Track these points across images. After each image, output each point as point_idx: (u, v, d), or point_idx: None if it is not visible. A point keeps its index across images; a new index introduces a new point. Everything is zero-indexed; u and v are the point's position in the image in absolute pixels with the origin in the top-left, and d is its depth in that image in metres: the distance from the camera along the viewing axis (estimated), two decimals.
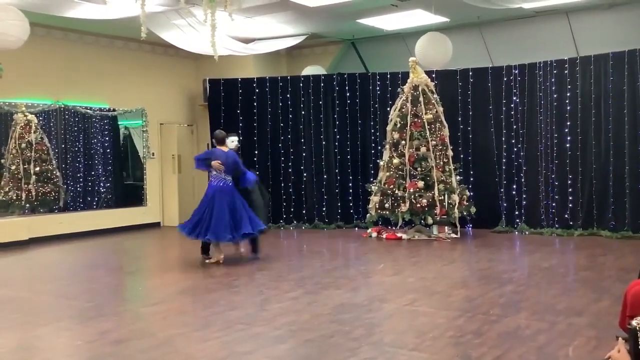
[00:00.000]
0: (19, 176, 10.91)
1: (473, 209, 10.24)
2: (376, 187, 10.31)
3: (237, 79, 12.31)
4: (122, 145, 13.16)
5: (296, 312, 5.63)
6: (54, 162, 11.36)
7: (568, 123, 10.18)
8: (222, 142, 8.40)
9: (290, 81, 12.22)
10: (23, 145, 10.92)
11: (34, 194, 10.98)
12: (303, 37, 11.99)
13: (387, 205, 10.06)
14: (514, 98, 10.74)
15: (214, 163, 8.13)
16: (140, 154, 12.83)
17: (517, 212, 10.70)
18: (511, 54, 11.15)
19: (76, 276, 7.89)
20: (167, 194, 13.13)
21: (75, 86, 11.47)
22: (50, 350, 4.78)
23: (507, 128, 10.81)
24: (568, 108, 10.17)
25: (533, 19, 11.07)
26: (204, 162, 8.37)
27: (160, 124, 13.07)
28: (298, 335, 4.90)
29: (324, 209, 11.85)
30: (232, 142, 8.75)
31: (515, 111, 10.73)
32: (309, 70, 12.55)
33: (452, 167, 10.18)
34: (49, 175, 11.26)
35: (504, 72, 10.83)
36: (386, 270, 7.86)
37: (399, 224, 10.18)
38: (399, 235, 10.17)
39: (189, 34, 9.67)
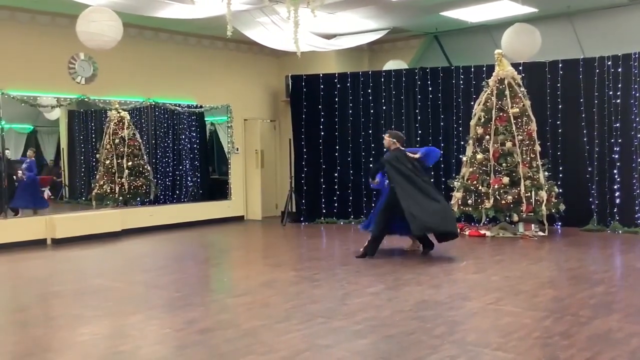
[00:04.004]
0: (113, 170, 11.47)
1: (562, 206, 9.86)
2: (458, 183, 10.12)
3: (319, 74, 12.39)
4: (209, 140, 13.59)
5: (376, 307, 5.63)
6: (145, 157, 11.88)
7: None
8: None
9: (372, 76, 12.17)
10: (117, 140, 11.48)
11: (126, 187, 11.52)
12: (385, 32, 11.92)
13: (470, 201, 9.86)
14: (607, 90, 10.25)
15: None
16: (225, 149, 13.18)
17: (609, 210, 10.21)
18: (604, 44, 10.63)
19: (165, 267, 8.20)
20: (251, 188, 13.41)
21: (164, 84, 11.92)
22: (140, 337, 5.00)
23: (599, 122, 10.33)
24: None
25: (627, 8, 10.51)
26: None
27: (245, 119, 13.37)
28: (378, 331, 4.89)
29: None
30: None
31: (609, 104, 10.24)
32: (391, 65, 12.46)
33: (539, 162, 9.85)
34: (141, 169, 11.78)
35: (596, 64, 10.34)
36: (469, 268, 7.70)
37: (483, 221, 9.95)
38: (482, 232, 9.96)
39: (273, 32, 9.83)
